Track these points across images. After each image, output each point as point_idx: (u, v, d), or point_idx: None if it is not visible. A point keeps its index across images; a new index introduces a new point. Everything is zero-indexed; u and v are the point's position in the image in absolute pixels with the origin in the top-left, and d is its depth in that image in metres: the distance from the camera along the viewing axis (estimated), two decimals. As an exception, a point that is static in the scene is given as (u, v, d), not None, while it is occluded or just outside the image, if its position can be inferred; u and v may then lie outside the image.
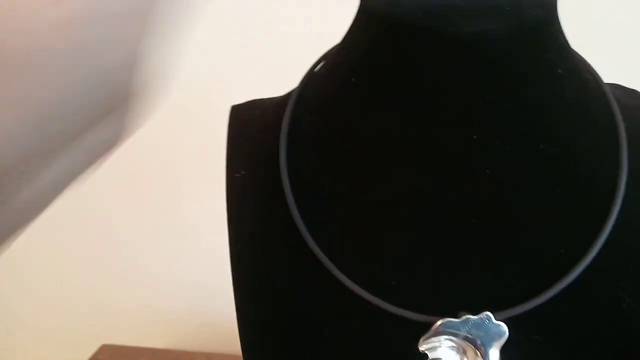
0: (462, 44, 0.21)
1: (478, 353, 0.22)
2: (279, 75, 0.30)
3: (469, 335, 0.22)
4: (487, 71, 0.22)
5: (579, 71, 0.24)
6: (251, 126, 0.28)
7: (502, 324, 0.21)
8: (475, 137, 0.22)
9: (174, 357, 0.67)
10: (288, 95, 0.27)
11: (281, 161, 0.25)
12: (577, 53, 0.25)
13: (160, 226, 0.73)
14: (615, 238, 0.22)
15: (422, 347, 0.22)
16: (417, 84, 0.22)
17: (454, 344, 0.22)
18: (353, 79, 0.23)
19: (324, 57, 0.26)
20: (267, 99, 0.29)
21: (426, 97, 0.22)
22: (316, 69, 0.27)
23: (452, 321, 0.22)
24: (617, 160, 0.23)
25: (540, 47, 0.22)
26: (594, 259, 0.22)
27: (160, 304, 0.77)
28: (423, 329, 0.22)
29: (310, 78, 0.26)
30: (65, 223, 0.75)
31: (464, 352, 0.22)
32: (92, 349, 0.69)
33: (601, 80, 0.25)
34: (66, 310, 0.80)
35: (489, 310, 0.21)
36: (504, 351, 0.22)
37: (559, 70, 0.23)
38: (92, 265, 0.77)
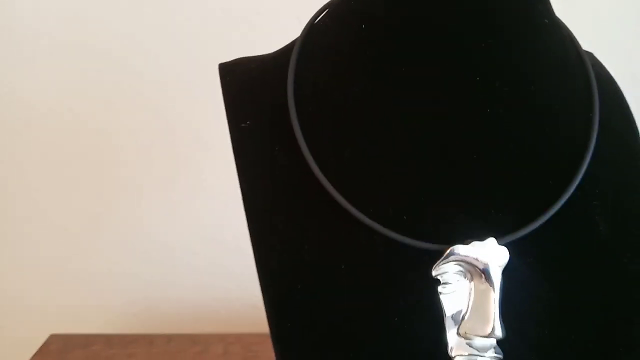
0: (456, 9, 0.23)
1: (482, 276, 0.24)
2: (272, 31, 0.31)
3: (475, 260, 0.24)
4: (485, 22, 0.24)
5: (564, 39, 0.27)
6: (249, 80, 0.28)
7: (504, 248, 0.24)
8: (472, 84, 0.24)
9: (130, 340, 0.65)
10: (288, 48, 0.28)
11: (290, 108, 0.25)
12: (558, 18, 0.28)
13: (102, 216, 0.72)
14: (589, 173, 0.26)
15: (434, 273, 0.24)
16: (421, 41, 0.24)
17: (461, 269, 0.24)
18: (363, 26, 0.25)
19: (327, 6, 0.27)
20: (259, 55, 0.30)
21: (429, 51, 0.24)
22: (317, 20, 0.27)
23: (461, 247, 0.24)
24: (591, 108, 0.26)
25: (532, 17, 0.25)
26: (575, 191, 0.25)
27: (111, 288, 0.75)
28: (434, 257, 0.24)
29: (312, 29, 0.27)
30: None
31: (470, 276, 0.24)
32: (41, 340, 0.65)
33: (575, 38, 0.28)
34: (12, 302, 0.76)
35: (491, 236, 0.24)
36: (504, 273, 0.24)
37: (544, 30, 0.25)
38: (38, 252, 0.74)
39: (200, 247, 0.70)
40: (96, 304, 0.75)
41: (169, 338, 0.66)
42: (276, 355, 0.24)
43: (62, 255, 0.74)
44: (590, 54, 0.31)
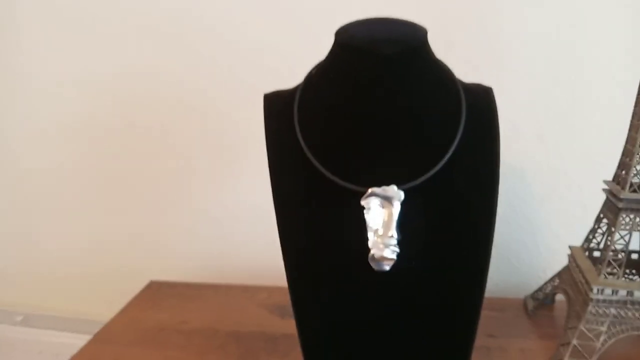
0: (385, 57, 0.44)
1: (390, 205, 0.45)
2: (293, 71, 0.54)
3: (385, 196, 0.45)
4: (396, 69, 0.45)
5: (441, 70, 0.48)
6: (277, 102, 0.51)
7: (401, 190, 0.45)
8: (388, 99, 0.45)
9: (201, 287, 0.90)
10: (297, 87, 0.51)
11: (294, 115, 0.48)
12: (442, 62, 0.49)
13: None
14: (457, 155, 0.46)
15: (362, 202, 0.45)
16: (363, 75, 0.45)
17: (378, 202, 0.45)
18: (332, 75, 0.47)
19: (316, 67, 0.50)
20: (285, 89, 0.53)
21: (367, 81, 0.45)
22: (312, 72, 0.50)
23: (376, 189, 0.45)
24: (460, 111, 0.47)
25: (421, 56, 0.46)
26: (445, 164, 0.45)
27: (189, 250, 1.01)
28: (362, 194, 0.45)
29: (309, 76, 0.50)
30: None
31: (383, 205, 0.45)
32: (141, 285, 0.92)
33: (453, 75, 0.49)
34: (116, 248, 1.03)
35: (394, 184, 0.45)
36: (403, 205, 0.45)
37: (430, 65, 0.47)
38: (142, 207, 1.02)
39: (252, 218, 0.95)
40: (181, 260, 1.01)
41: (228, 287, 0.90)
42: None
43: (158, 224, 1.02)
44: (475, 83, 0.51)
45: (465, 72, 0.51)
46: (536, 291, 0.77)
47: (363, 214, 0.45)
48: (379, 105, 0.46)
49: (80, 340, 0.74)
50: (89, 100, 0.98)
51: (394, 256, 0.45)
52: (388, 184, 0.45)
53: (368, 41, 0.45)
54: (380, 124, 0.46)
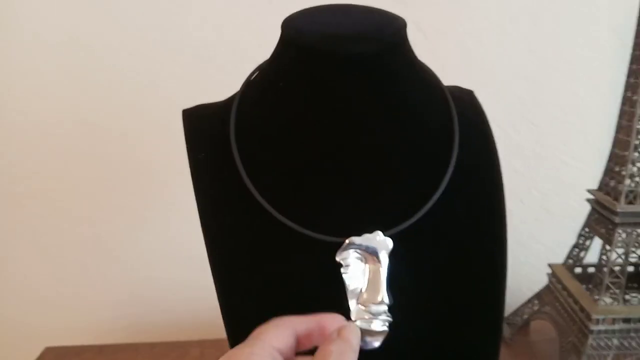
0: (347, 60, 0.32)
1: (375, 259, 0.33)
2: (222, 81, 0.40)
3: (367, 247, 0.32)
4: (367, 76, 0.33)
5: (424, 74, 0.36)
6: (205, 121, 0.37)
7: (388, 238, 0.32)
8: (356, 117, 0.33)
9: (118, 349, 0.72)
10: (232, 98, 0.37)
11: (232, 141, 0.34)
12: (422, 63, 0.37)
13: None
14: (453, 183, 0.34)
15: (338, 258, 0.32)
16: (320, 85, 0.32)
17: (358, 255, 0.33)
18: (280, 84, 0.34)
19: (257, 69, 0.36)
20: (213, 103, 0.39)
21: (326, 93, 0.33)
22: (252, 77, 0.36)
23: (354, 239, 0.32)
24: (452, 126, 0.35)
25: (400, 59, 0.34)
26: (440, 197, 0.34)
27: (102, 301, 0.82)
28: (337, 247, 0.32)
29: (249, 84, 0.36)
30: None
31: (365, 260, 0.33)
32: (36, 353, 0.72)
33: (438, 79, 0.37)
34: (8, 313, 0.82)
35: (377, 229, 0.32)
36: (391, 257, 0.33)
37: (412, 71, 0.35)
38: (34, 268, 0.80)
39: (175, 265, 0.78)
40: (86, 319, 0.82)
41: (152, 345, 0.73)
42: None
43: (55, 278, 0.81)
44: (455, 86, 0.40)
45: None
46: (511, 315, 0.69)
47: (339, 273, 0.32)
48: (347, 125, 0.33)
49: None
50: None
51: (386, 328, 0.32)
52: (370, 230, 0.32)
53: (323, 37, 0.32)
54: (351, 150, 0.33)
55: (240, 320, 0.33)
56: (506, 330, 0.68)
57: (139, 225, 0.77)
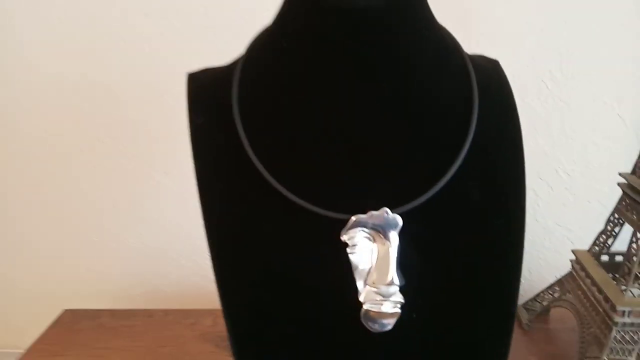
0: (357, 13, 0.29)
1: (384, 238, 0.31)
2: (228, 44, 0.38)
3: (375, 225, 0.30)
4: (378, 34, 0.30)
5: (442, 36, 0.33)
6: (206, 85, 0.35)
7: (397, 215, 0.30)
8: (364, 80, 0.30)
9: (132, 314, 0.73)
10: (234, 63, 0.35)
11: (234, 106, 0.32)
12: (443, 27, 0.34)
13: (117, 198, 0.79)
14: (469, 159, 0.32)
15: (343, 238, 0.30)
16: (324, 42, 0.30)
17: (366, 233, 0.31)
18: (284, 44, 0.31)
19: (261, 32, 0.34)
20: (217, 67, 0.37)
21: (330, 51, 0.30)
22: (256, 41, 0.34)
23: (362, 216, 0.30)
24: (471, 97, 0.33)
25: (412, 17, 0.31)
26: (455, 172, 0.31)
27: (119, 267, 0.83)
28: (342, 224, 0.30)
29: (254, 46, 0.34)
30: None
31: (373, 239, 0.31)
32: (55, 314, 0.73)
33: (459, 46, 0.34)
34: (30, 277, 0.84)
35: (386, 206, 0.30)
36: (401, 236, 0.31)
37: (426, 33, 0.32)
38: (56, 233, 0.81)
39: (191, 235, 0.78)
40: (103, 284, 0.83)
41: (166, 312, 0.73)
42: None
43: (74, 244, 0.82)
44: (479, 55, 0.37)
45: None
46: (530, 300, 0.66)
47: (345, 252, 0.30)
48: (355, 92, 0.31)
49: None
50: None
51: (398, 310, 0.31)
52: (377, 208, 0.30)
53: None
54: (360, 121, 0.31)
55: (233, 294, 0.32)
56: (524, 316, 0.65)
57: (154, 193, 0.77)
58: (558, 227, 0.74)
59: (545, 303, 0.63)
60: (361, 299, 0.31)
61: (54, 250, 0.83)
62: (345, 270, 0.31)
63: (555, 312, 0.66)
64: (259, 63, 0.33)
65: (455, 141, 0.32)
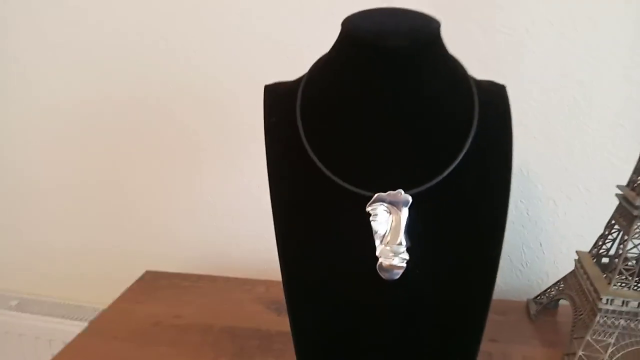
0: (390, 50, 0.41)
1: (397, 211, 0.43)
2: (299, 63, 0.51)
3: (392, 201, 0.42)
4: (404, 65, 0.42)
5: (454, 67, 0.45)
6: (279, 95, 0.48)
7: (409, 195, 0.42)
8: (392, 98, 0.42)
9: (199, 278, 0.88)
10: (301, 78, 0.48)
11: (297, 111, 0.45)
12: (455, 58, 0.46)
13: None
14: (468, 157, 0.43)
15: (368, 209, 0.43)
16: (365, 70, 0.42)
17: (385, 207, 0.43)
18: (336, 68, 0.44)
19: (321, 58, 0.47)
20: (287, 81, 0.50)
21: (369, 77, 0.42)
22: (317, 64, 0.47)
23: (382, 195, 0.42)
24: (473, 112, 0.44)
25: (429, 53, 0.43)
26: (454, 168, 0.43)
27: (192, 237, 0.99)
28: (368, 200, 0.43)
29: (314, 68, 0.47)
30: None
31: (390, 211, 0.43)
32: (138, 273, 0.90)
33: (467, 72, 0.46)
34: (113, 236, 1.02)
35: (401, 188, 0.42)
36: (410, 210, 0.42)
37: (441, 64, 0.44)
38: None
39: (254, 211, 0.92)
40: (178, 251, 0.99)
41: (227, 279, 0.88)
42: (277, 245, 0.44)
43: (158, 212, 0.99)
44: (488, 81, 0.48)
45: (474, 68, 0.48)
46: (539, 295, 0.75)
47: (368, 220, 0.43)
48: (385, 104, 0.43)
49: (74, 327, 0.73)
50: (83, 92, 0.95)
51: (404, 264, 0.42)
52: (394, 189, 0.42)
53: (374, 33, 0.42)
54: (387, 125, 0.43)
55: (292, 252, 0.45)
56: (532, 308, 0.75)
57: (227, 175, 0.93)
58: (574, 236, 0.82)
59: (551, 296, 0.72)
60: (377, 254, 0.42)
61: (144, 216, 1.01)
62: (368, 233, 0.43)
63: (563, 308, 0.75)
64: (316, 81, 0.46)
65: (458, 145, 0.44)
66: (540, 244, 0.84)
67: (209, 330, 0.72)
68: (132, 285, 0.87)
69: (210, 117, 0.91)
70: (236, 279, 0.88)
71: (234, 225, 0.95)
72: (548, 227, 0.84)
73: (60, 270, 1.09)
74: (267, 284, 0.84)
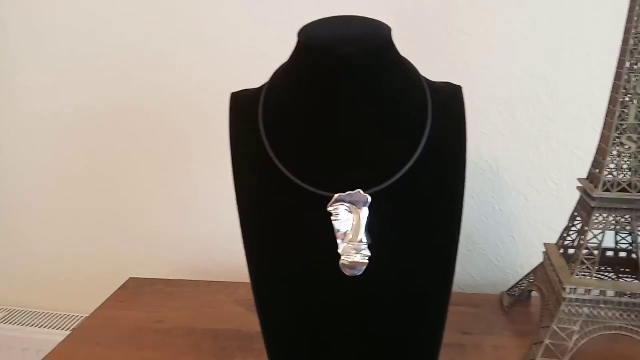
0: (342, 57, 0.43)
1: (358, 210, 0.45)
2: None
3: (352, 200, 0.44)
4: (356, 71, 0.44)
5: (407, 71, 0.47)
6: (244, 101, 0.50)
7: (368, 195, 0.44)
8: (347, 102, 0.44)
9: (182, 284, 0.89)
10: (262, 87, 0.50)
11: (259, 117, 0.47)
12: (408, 62, 0.48)
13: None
14: (422, 159, 0.45)
15: (329, 209, 0.44)
16: (324, 79, 0.44)
17: (346, 207, 0.45)
18: (295, 76, 0.46)
19: (282, 66, 0.49)
20: (251, 89, 0.52)
21: (324, 82, 0.44)
22: (278, 72, 0.49)
23: (342, 195, 0.44)
24: (427, 112, 0.46)
25: (381, 58, 0.45)
26: (410, 168, 0.45)
27: (175, 243, 1.00)
28: (329, 200, 0.44)
29: (275, 75, 0.49)
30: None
31: (351, 211, 0.45)
32: (122, 280, 0.91)
33: (420, 75, 0.48)
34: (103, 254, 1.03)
35: (360, 188, 0.44)
36: (370, 209, 0.44)
37: (392, 70, 0.46)
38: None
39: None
40: (162, 257, 1.01)
41: (209, 284, 0.89)
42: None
43: (141, 220, 1.00)
44: (444, 82, 0.50)
45: (441, 69, 0.50)
46: (512, 287, 0.78)
47: (330, 219, 0.45)
48: (341, 108, 0.45)
49: (62, 338, 0.74)
50: (79, 99, 0.96)
51: (366, 260, 0.44)
52: (354, 189, 0.44)
53: (327, 41, 0.44)
54: (345, 128, 0.45)
55: (258, 252, 0.47)
56: (505, 300, 0.77)
57: (207, 180, 0.94)
58: (546, 229, 0.85)
59: (523, 288, 0.74)
60: (340, 251, 0.44)
61: (140, 220, 1.02)
62: (330, 232, 0.45)
63: (536, 299, 0.77)
64: (277, 87, 0.48)
65: (414, 145, 0.46)
66: (514, 238, 0.87)
67: (192, 333, 0.74)
68: (116, 292, 0.88)
69: (198, 125, 0.92)
70: (219, 282, 0.89)
71: (216, 229, 0.97)
72: (520, 222, 0.86)
73: (46, 280, 1.10)
74: (248, 286, 0.85)
